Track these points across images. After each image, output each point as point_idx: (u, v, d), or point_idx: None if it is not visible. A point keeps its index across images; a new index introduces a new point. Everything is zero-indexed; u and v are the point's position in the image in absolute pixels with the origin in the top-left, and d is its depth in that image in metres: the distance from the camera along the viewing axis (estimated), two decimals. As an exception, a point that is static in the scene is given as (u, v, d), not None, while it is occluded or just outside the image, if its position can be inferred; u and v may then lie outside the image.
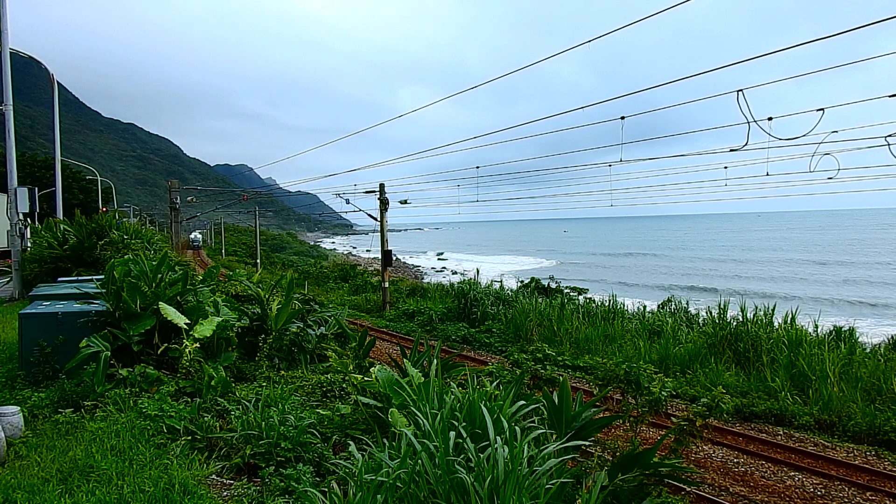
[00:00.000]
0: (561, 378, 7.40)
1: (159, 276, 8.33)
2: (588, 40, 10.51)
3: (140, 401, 5.87)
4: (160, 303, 7.47)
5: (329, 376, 7.71)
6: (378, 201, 27.69)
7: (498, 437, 3.72)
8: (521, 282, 31.13)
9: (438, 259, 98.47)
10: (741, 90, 9.56)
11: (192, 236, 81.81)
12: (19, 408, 5.65)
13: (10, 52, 15.94)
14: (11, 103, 15.59)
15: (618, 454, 5.89)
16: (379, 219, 27.97)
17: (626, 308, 20.46)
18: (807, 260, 67.80)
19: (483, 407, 4.25)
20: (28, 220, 16.12)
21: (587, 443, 5.31)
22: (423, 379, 5.72)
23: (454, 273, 63.05)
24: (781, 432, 10.68)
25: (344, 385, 7.24)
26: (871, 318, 31.44)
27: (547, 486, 3.59)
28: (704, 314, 17.98)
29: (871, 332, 18.16)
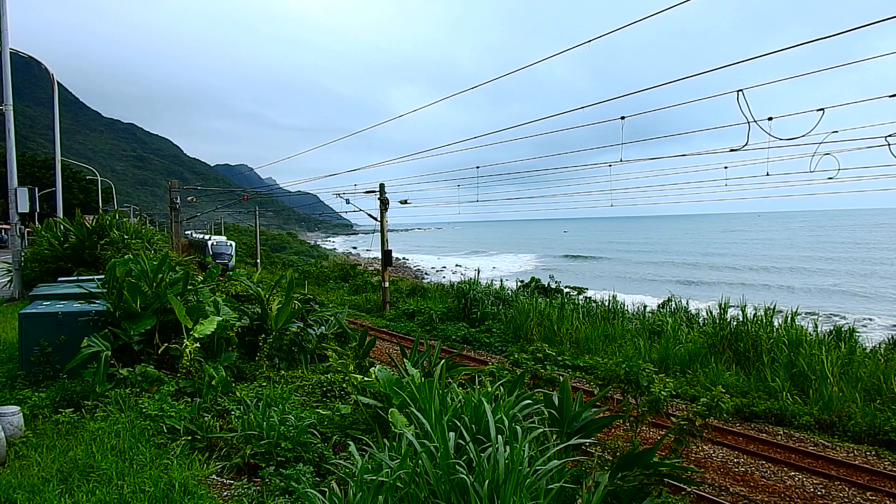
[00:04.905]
0: (561, 378, 7.40)
1: (160, 275, 8.33)
2: (587, 41, 10.50)
3: (140, 401, 5.87)
4: (170, 296, 7.47)
5: (329, 376, 7.71)
6: (378, 201, 27.70)
7: (499, 438, 3.72)
8: (521, 282, 31.13)
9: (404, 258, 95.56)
10: (741, 90, 9.56)
11: (211, 242, 43.37)
12: (19, 408, 5.65)
13: (10, 52, 15.93)
14: (11, 103, 15.57)
15: (618, 454, 5.89)
16: (379, 219, 27.98)
17: (626, 308, 20.48)
18: (759, 266, 65.91)
19: (486, 407, 4.25)
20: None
21: (587, 441, 5.31)
22: (423, 379, 5.73)
23: (453, 272, 62.86)
24: (781, 432, 10.68)
25: (344, 385, 7.24)
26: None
27: (548, 488, 3.59)
28: (705, 314, 17.98)
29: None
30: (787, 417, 11.11)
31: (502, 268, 72.88)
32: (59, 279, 12.13)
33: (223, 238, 50.13)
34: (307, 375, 8.28)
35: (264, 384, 7.25)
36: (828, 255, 73.57)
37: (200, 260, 32.12)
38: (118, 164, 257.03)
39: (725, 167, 16.89)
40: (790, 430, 10.73)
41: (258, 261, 53.82)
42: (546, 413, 5.40)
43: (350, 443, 4.49)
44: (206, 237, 47.89)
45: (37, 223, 20.17)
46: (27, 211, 15.82)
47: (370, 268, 50.34)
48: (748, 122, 9.80)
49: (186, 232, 53.94)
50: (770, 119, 10.22)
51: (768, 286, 47.58)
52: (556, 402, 5.50)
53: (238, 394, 6.56)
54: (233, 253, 43.82)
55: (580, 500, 3.68)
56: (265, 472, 4.64)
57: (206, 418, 5.61)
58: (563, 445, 4.49)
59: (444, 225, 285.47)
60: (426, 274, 65.56)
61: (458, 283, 26.03)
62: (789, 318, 14.43)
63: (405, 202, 30.82)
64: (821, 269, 59.93)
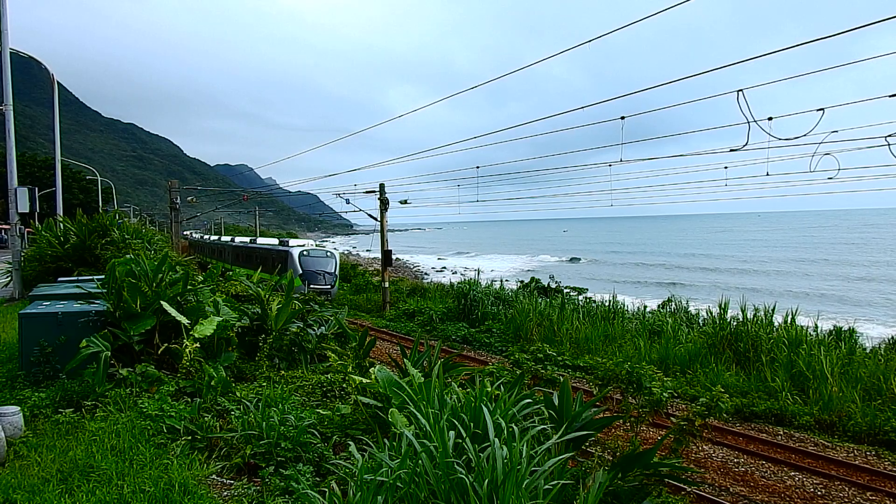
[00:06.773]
0: (561, 378, 7.40)
1: (160, 276, 8.33)
2: (587, 41, 10.51)
3: (140, 401, 5.87)
4: (161, 301, 7.48)
5: (329, 376, 7.71)
6: (378, 201, 27.70)
7: (496, 438, 3.72)
8: (521, 282, 31.13)
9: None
10: (741, 90, 9.55)
11: (299, 251, 27.96)
12: (19, 408, 5.65)
13: (10, 52, 15.93)
14: (11, 103, 15.59)
15: (618, 454, 5.90)
16: (379, 219, 27.97)
17: (626, 308, 20.48)
18: (749, 269, 65.22)
19: (484, 407, 4.26)
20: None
21: (588, 434, 5.30)
22: (423, 379, 5.73)
23: (453, 273, 62.73)
24: (781, 432, 10.69)
25: (344, 385, 7.24)
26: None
27: (547, 487, 3.59)
28: (704, 314, 17.98)
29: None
30: (787, 417, 11.11)
31: (498, 267, 72.87)
32: (60, 279, 12.13)
33: (312, 244, 32.38)
34: (307, 375, 8.28)
35: (264, 384, 7.25)
36: (817, 257, 73.38)
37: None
38: (118, 164, 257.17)
39: (725, 167, 16.87)
40: (790, 430, 10.74)
41: (258, 261, 53.67)
42: (546, 413, 5.40)
43: (350, 443, 4.49)
44: (283, 243, 30.83)
45: (37, 223, 20.17)
46: (27, 211, 15.84)
47: (370, 268, 50.30)
48: (748, 122, 9.79)
49: (185, 232, 50.17)
50: (770, 119, 10.22)
51: (756, 290, 47.67)
52: (556, 403, 5.50)
53: (238, 394, 6.55)
54: (336, 272, 28.16)
55: (580, 500, 3.67)
56: (265, 472, 4.64)
57: (206, 418, 5.61)
58: (559, 440, 4.49)
59: (444, 225, 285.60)
60: (426, 274, 65.42)
61: (458, 283, 26.01)
62: (789, 319, 14.43)
63: (405, 202, 30.82)
64: (807, 272, 59.68)
